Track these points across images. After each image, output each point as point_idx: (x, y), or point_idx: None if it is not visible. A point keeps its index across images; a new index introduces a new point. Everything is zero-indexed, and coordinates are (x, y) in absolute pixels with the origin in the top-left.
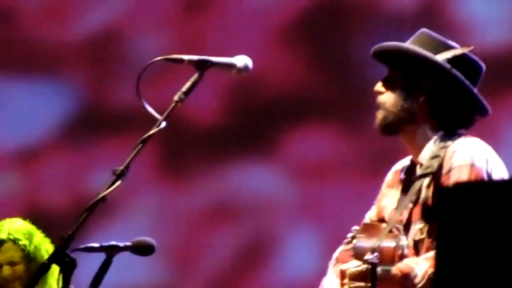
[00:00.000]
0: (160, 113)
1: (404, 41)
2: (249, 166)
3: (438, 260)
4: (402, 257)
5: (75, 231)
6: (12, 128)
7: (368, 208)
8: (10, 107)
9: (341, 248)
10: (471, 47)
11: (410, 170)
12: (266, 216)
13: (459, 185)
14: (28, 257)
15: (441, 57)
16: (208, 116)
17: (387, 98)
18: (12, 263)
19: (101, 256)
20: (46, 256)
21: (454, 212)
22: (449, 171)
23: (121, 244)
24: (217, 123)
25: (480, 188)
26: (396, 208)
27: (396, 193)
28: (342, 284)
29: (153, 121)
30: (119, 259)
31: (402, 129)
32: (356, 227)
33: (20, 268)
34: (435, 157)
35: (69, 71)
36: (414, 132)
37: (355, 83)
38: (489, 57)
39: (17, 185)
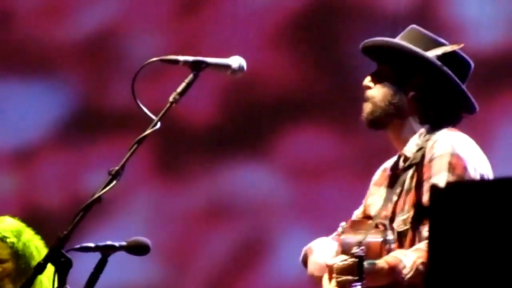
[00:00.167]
0: (155, 114)
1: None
2: (244, 166)
3: (431, 259)
4: (390, 251)
5: (70, 231)
6: (8, 128)
7: None
8: (7, 107)
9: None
10: (461, 45)
11: (396, 165)
12: (261, 216)
13: (452, 184)
14: (17, 254)
15: (431, 53)
16: (203, 117)
17: (376, 93)
18: (1, 261)
19: (97, 256)
20: (35, 253)
21: (447, 211)
22: (430, 160)
23: (116, 244)
24: (212, 124)
25: (473, 187)
26: (382, 203)
27: (383, 190)
28: (330, 278)
29: (149, 121)
30: (114, 259)
31: (389, 124)
32: (343, 223)
33: (9, 265)
34: (419, 149)
35: (65, 71)
36: (401, 126)
37: (350, 84)
38: (483, 57)
39: (14, 185)
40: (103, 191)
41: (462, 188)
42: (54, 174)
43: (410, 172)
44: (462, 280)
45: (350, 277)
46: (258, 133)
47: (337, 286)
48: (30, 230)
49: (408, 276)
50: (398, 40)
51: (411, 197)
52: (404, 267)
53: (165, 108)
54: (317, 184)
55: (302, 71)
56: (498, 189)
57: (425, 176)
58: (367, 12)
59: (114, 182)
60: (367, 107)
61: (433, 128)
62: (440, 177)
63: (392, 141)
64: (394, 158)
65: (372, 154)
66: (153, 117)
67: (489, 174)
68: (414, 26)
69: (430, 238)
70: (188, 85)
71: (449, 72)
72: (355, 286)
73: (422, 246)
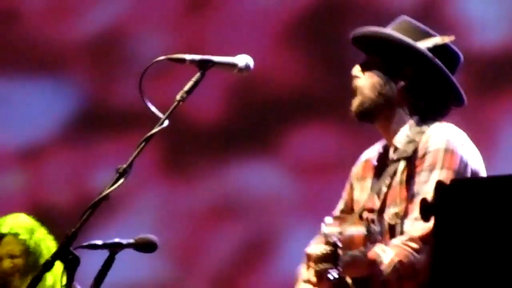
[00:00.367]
0: (163, 112)
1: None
2: (250, 164)
3: (435, 256)
4: (375, 242)
5: (78, 229)
6: (16, 127)
7: None
8: (15, 106)
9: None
10: (452, 37)
11: (384, 156)
12: (267, 214)
13: (456, 181)
14: (28, 251)
15: (422, 44)
16: (210, 115)
17: (365, 83)
18: (12, 256)
19: (104, 253)
20: (45, 252)
21: (452, 208)
22: (424, 155)
23: (124, 241)
24: (219, 122)
25: (477, 184)
26: (369, 194)
27: (369, 181)
28: (308, 266)
29: (156, 120)
30: (122, 256)
31: (379, 115)
32: (328, 218)
33: (19, 261)
34: (410, 141)
35: (73, 70)
36: (390, 117)
37: None
38: (488, 56)
39: (22, 183)
40: (111, 189)
41: (467, 185)
42: (62, 172)
43: (402, 165)
44: (467, 276)
45: (328, 265)
46: (264, 131)
47: (314, 275)
48: (44, 229)
49: (385, 273)
50: (389, 30)
51: (402, 191)
52: (381, 263)
53: (172, 107)
54: (323, 183)
55: (309, 69)
56: (503, 186)
57: (417, 170)
58: (373, 11)
59: (122, 180)
60: (355, 101)
61: (423, 119)
62: (434, 172)
63: (381, 132)
64: (374, 150)
65: None
66: (161, 115)
67: (482, 169)
68: (405, 16)
69: (435, 234)
70: (195, 84)
71: (440, 63)
72: (331, 273)
73: (399, 243)
